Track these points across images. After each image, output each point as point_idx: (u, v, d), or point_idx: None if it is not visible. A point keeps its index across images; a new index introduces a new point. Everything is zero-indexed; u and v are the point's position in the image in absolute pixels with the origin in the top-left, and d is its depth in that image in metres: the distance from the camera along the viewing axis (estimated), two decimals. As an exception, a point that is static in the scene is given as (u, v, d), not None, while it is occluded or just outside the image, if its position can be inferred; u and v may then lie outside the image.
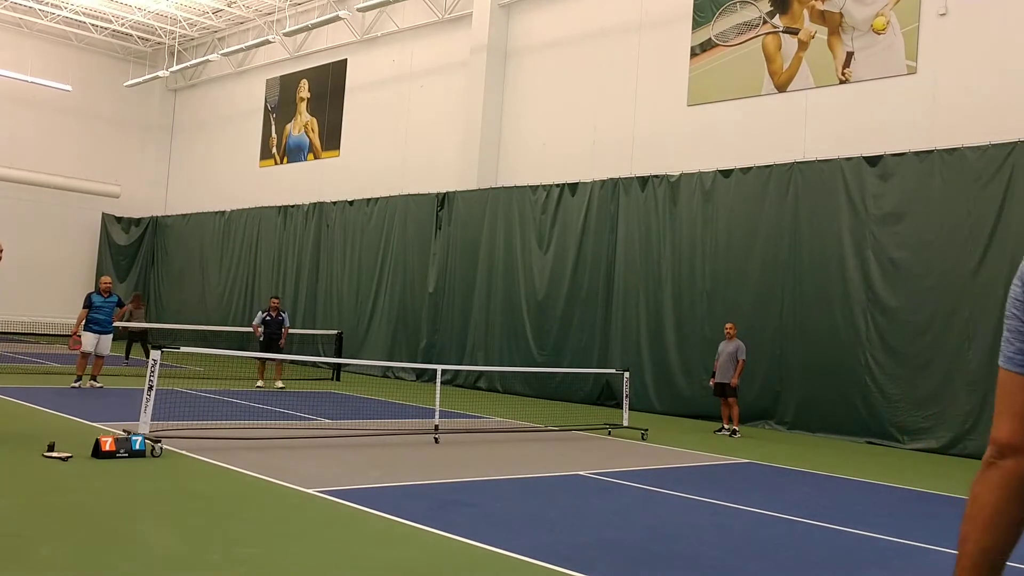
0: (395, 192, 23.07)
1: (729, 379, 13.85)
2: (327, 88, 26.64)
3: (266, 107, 28.99)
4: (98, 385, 14.82)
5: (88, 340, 14.66)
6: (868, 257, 14.43)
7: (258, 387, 17.13)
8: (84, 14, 29.04)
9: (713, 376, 14.27)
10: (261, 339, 17.81)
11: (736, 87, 17.20)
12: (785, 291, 15.36)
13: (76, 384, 14.59)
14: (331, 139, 26.36)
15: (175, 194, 32.95)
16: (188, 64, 28.71)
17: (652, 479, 9.23)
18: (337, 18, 23.03)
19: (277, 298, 18.70)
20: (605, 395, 17.65)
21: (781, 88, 16.55)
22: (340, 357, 20.88)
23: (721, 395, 14.04)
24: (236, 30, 29.80)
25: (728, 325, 14.26)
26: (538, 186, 19.60)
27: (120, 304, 15.53)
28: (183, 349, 10.34)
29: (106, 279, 15.64)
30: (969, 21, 14.36)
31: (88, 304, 14.88)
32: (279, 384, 17.44)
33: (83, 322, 14.69)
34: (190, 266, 30.01)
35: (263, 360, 17.49)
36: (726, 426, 14.13)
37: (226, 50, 28.33)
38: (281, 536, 6.00)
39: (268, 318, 17.85)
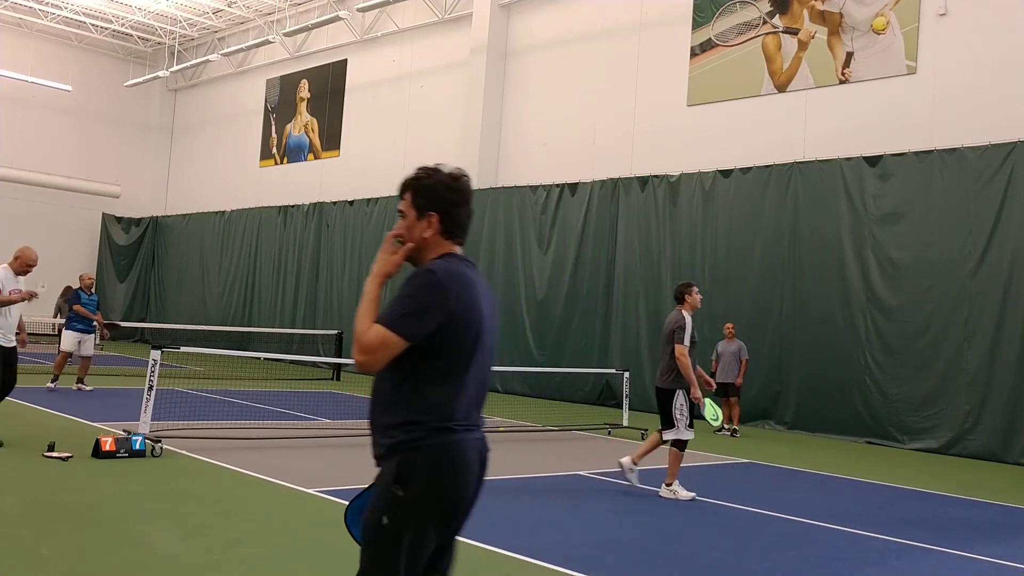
0: (395, 192, 22.97)
1: (733, 379, 13.91)
2: (327, 88, 26.64)
3: (266, 107, 28.99)
4: (88, 388, 14.20)
5: (70, 340, 14.04)
6: (868, 257, 14.44)
7: None
8: (84, 14, 29.03)
9: (713, 376, 14.27)
10: None
11: (736, 87, 17.20)
12: (785, 291, 15.36)
13: (52, 384, 13.86)
14: (331, 139, 26.36)
15: (175, 194, 32.94)
16: (188, 64, 28.71)
17: (652, 479, 9.23)
18: (337, 18, 23.03)
19: None
20: (605, 395, 17.65)
21: (781, 88, 16.55)
22: (340, 357, 20.87)
23: (723, 395, 14.06)
24: (236, 30, 29.79)
25: (728, 326, 14.29)
26: (538, 186, 19.60)
27: (97, 305, 14.74)
28: (183, 349, 10.34)
29: (88, 275, 14.85)
30: (969, 21, 14.36)
31: (77, 301, 14.23)
32: None
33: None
34: (190, 266, 30.01)
35: None
36: (726, 426, 14.13)
37: (226, 50, 28.34)
38: (281, 536, 6.01)
39: None
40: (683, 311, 8.40)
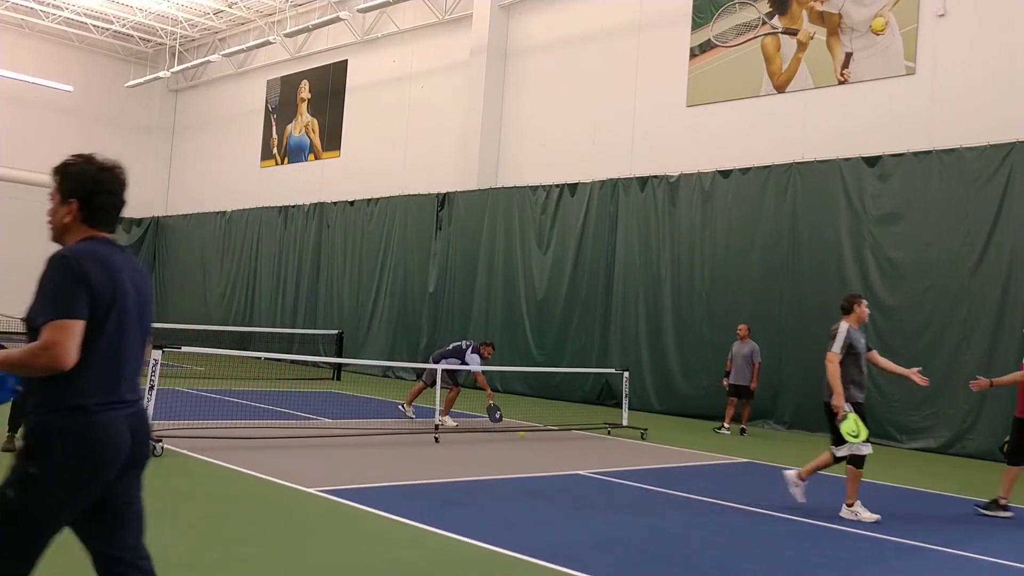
0: (395, 192, 23.09)
1: (746, 381, 13.94)
2: (328, 89, 26.67)
3: (267, 108, 29.02)
4: None
5: None
6: (867, 257, 14.46)
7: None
8: (85, 15, 29.05)
9: (727, 376, 14.30)
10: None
11: (735, 88, 17.22)
12: (784, 291, 15.38)
13: None
14: (332, 139, 26.39)
15: (176, 194, 32.97)
16: (189, 65, 28.73)
17: (652, 478, 9.25)
18: (338, 19, 23.04)
19: (490, 345, 13.95)
20: (605, 395, 17.67)
21: (780, 89, 16.57)
22: (341, 357, 20.91)
23: (735, 395, 14.10)
24: (237, 31, 29.81)
25: (741, 327, 14.31)
26: (538, 186, 19.62)
27: None
28: (184, 349, 10.36)
29: None
30: (968, 22, 14.38)
31: None
32: (451, 423, 12.65)
33: None
34: (191, 266, 30.03)
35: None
36: (727, 425, 14.17)
37: (227, 51, 28.35)
38: (281, 536, 6.03)
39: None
40: (844, 322, 8.03)
